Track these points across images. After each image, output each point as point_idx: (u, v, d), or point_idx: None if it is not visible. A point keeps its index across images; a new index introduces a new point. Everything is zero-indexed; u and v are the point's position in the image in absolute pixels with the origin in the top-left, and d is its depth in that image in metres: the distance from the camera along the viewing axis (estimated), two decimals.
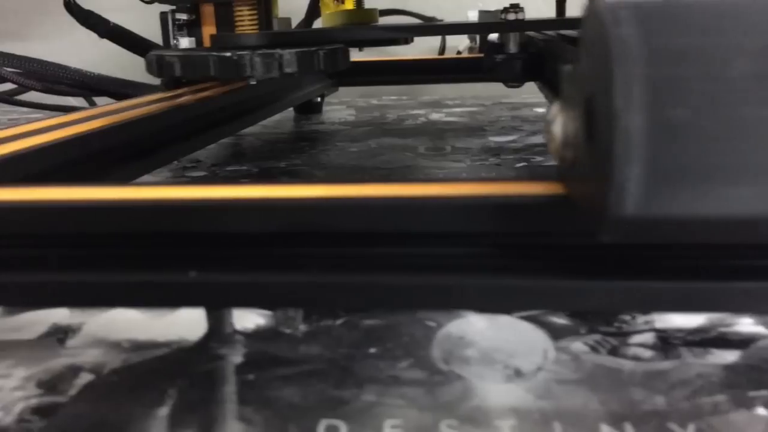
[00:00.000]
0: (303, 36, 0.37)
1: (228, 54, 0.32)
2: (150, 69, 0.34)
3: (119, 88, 0.66)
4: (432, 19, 0.81)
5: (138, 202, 0.20)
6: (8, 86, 0.73)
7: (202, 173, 0.51)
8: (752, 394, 0.20)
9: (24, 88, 0.72)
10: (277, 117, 0.74)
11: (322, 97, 0.78)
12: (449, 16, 0.82)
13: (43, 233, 0.20)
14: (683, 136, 0.12)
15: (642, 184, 0.12)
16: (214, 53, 0.32)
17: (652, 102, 0.12)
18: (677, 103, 0.12)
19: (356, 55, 0.82)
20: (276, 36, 0.35)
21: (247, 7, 0.35)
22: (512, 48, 0.42)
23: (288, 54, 0.32)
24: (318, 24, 0.67)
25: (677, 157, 0.12)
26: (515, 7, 0.42)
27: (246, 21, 0.35)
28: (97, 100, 0.84)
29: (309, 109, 0.77)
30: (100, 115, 0.38)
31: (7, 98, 0.74)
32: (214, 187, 0.20)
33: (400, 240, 0.19)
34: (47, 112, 0.74)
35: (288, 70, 0.32)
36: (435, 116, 0.73)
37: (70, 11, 0.56)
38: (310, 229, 0.19)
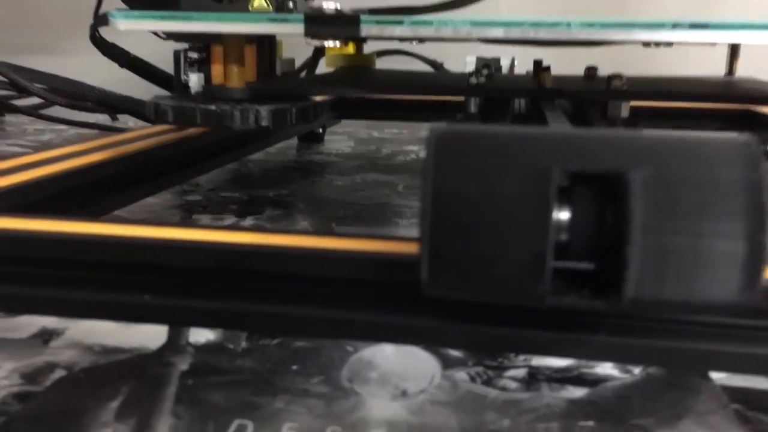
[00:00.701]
0: (282, 89, 0.42)
1: (213, 107, 0.38)
2: (148, 113, 0.40)
3: (139, 108, 0.73)
4: (433, 62, 0.86)
5: (105, 238, 0.26)
6: (35, 100, 0.80)
7: (198, 197, 0.56)
8: (581, 423, 0.25)
9: (49, 103, 0.79)
10: (281, 144, 0.80)
11: (324, 127, 0.83)
12: (452, 60, 0.87)
13: (24, 257, 0.26)
14: (464, 236, 0.18)
15: (434, 263, 0.18)
16: (202, 105, 0.38)
17: (442, 208, 0.18)
18: (460, 212, 0.18)
19: None
20: (258, 90, 0.41)
21: (236, 65, 0.41)
22: (472, 108, 0.46)
23: (263, 110, 0.38)
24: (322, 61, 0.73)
25: (454, 247, 0.17)
26: (482, 70, 0.47)
27: (234, 77, 0.41)
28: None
29: (311, 138, 0.83)
30: (103, 147, 0.44)
31: (34, 112, 0.80)
32: (166, 228, 0.26)
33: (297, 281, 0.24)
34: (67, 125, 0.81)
35: (263, 123, 0.38)
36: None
37: (95, 43, 0.62)
38: (236, 268, 0.25)
